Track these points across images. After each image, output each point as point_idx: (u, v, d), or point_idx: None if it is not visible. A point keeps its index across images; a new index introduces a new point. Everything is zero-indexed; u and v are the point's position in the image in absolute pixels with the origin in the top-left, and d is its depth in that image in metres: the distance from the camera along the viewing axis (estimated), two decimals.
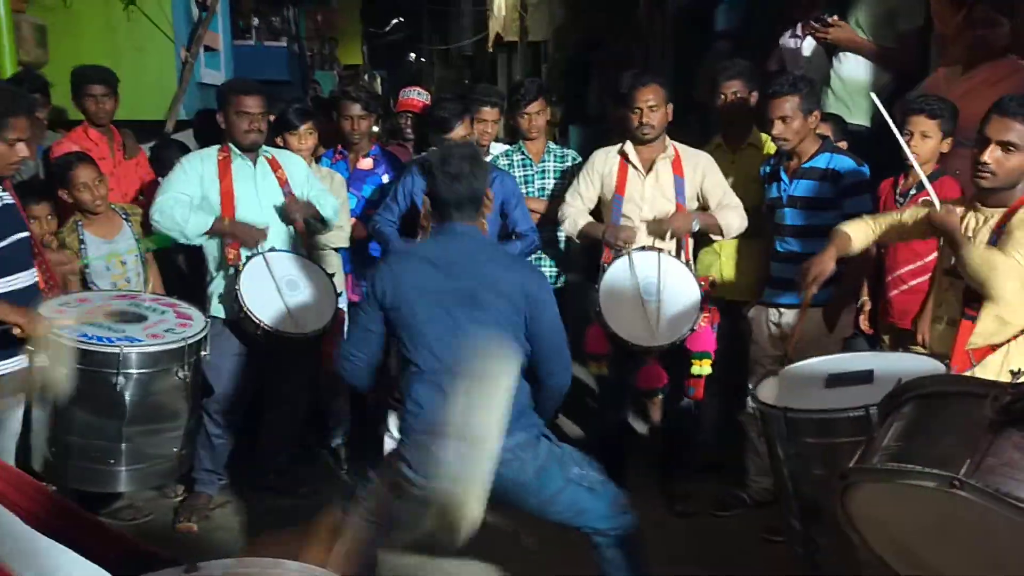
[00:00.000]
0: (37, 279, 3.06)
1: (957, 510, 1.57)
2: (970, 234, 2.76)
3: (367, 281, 2.76)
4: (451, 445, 2.53)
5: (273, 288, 3.65)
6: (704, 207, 3.89)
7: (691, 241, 3.90)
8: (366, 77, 22.26)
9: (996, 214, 2.72)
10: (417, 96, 5.22)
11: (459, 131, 3.84)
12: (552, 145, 4.49)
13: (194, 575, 1.14)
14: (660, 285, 3.59)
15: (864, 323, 3.67)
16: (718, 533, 3.74)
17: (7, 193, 2.90)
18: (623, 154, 3.91)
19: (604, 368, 3.88)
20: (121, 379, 2.94)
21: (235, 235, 3.69)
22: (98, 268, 3.75)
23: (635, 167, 3.88)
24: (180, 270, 4.47)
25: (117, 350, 2.93)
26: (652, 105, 3.77)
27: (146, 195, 4.33)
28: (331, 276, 3.91)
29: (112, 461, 3.05)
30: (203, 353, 3.23)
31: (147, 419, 3.06)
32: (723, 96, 4.02)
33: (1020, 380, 1.64)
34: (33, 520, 1.09)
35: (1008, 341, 2.69)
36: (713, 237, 3.87)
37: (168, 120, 5.87)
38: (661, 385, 3.64)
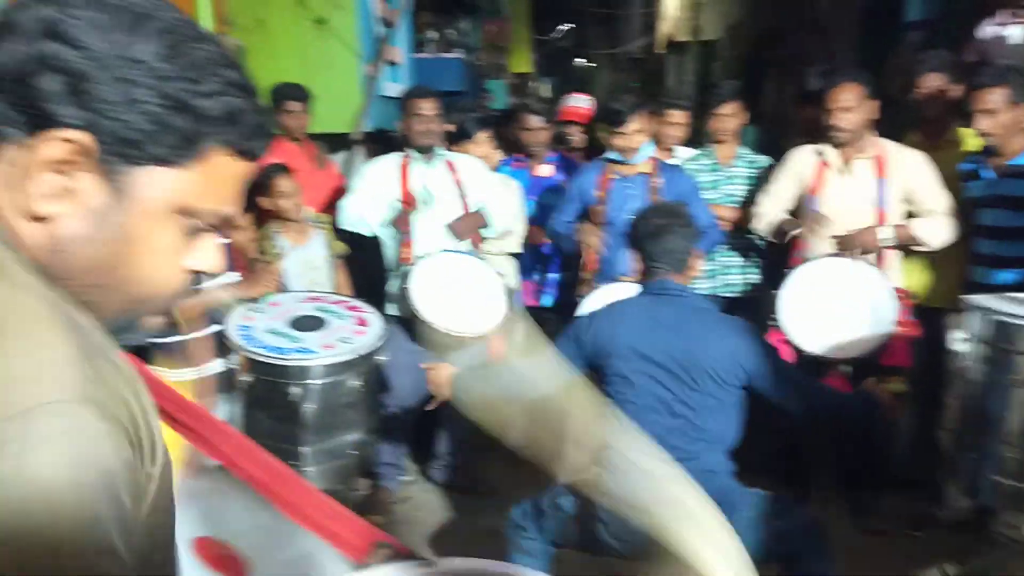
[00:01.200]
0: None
1: None
2: None
3: (576, 325, 2.74)
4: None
5: (443, 288, 3.77)
6: (912, 212, 3.67)
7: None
8: (534, 84, 22.47)
9: None
10: (580, 103, 5.17)
11: (632, 126, 3.79)
12: (743, 150, 4.34)
13: (431, 571, 1.17)
14: (850, 294, 3.42)
15: None
16: (909, 553, 3.52)
17: None
18: (820, 154, 3.75)
19: None
20: (296, 390, 3.03)
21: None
22: (292, 273, 3.97)
23: (832, 167, 3.71)
24: (364, 270, 4.67)
25: (290, 363, 3.03)
26: (846, 106, 3.59)
27: (336, 204, 4.59)
28: (501, 276, 3.98)
29: (295, 462, 3.18)
30: (381, 358, 3.29)
31: (325, 425, 3.14)
32: (922, 90, 3.78)
33: None
34: (280, 502, 1.16)
35: None
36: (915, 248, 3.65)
37: (354, 132, 6.16)
38: None
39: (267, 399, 3.06)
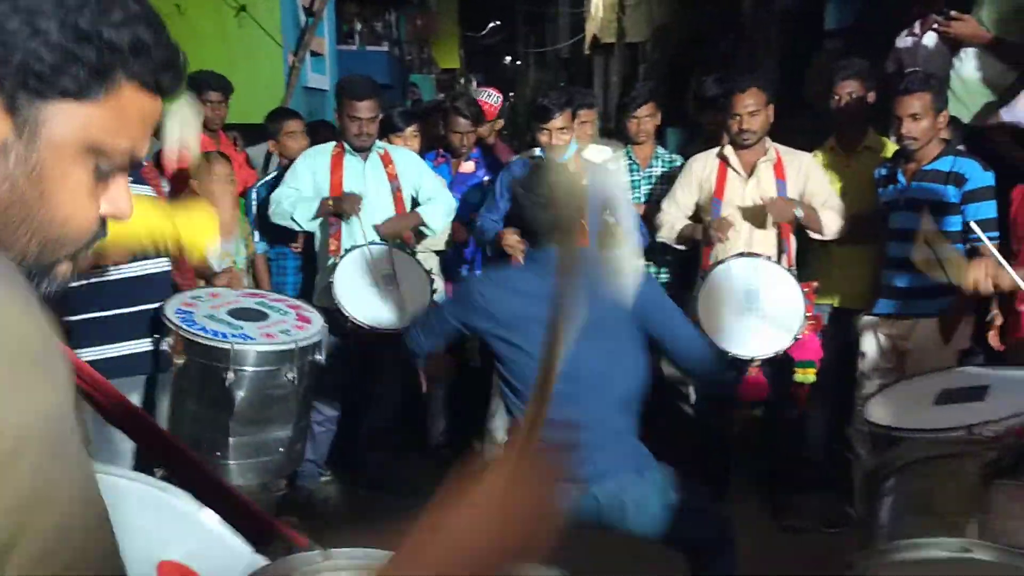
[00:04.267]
0: (170, 268, 3.20)
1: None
2: None
3: (459, 296, 2.69)
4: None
5: (368, 282, 3.73)
6: None
7: (794, 247, 3.79)
8: (462, 81, 22.49)
9: None
10: (487, 99, 5.11)
11: (558, 122, 3.80)
12: (660, 150, 4.41)
13: (330, 562, 1.17)
14: (761, 292, 3.50)
15: (994, 339, 3.46)
16: (825, 549, 3.60)
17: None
18: (723, 158, 3.84)
19: None
20: (231, 375, 2.97)
21: (337, 208, 3.81)
22: (213, 265, 3.87)
23: (735, 171, 3.79)
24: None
25: (228, 346, 2.98)
26: (752, 110, 3.69)
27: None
28: (428, 271, 3.94)
29: (219, 454, 3.10)
30: (317, 357, 3.23)
31: (254, 417, 3.08)
32: (838, 96, 3.88)
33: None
34: (193, 485, 1.12)
35: None
36: (812, 236, 3.75)
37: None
38: (763, 396, 3.54)
39: (199, 384, 3.00)
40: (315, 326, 3.27)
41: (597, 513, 2.56)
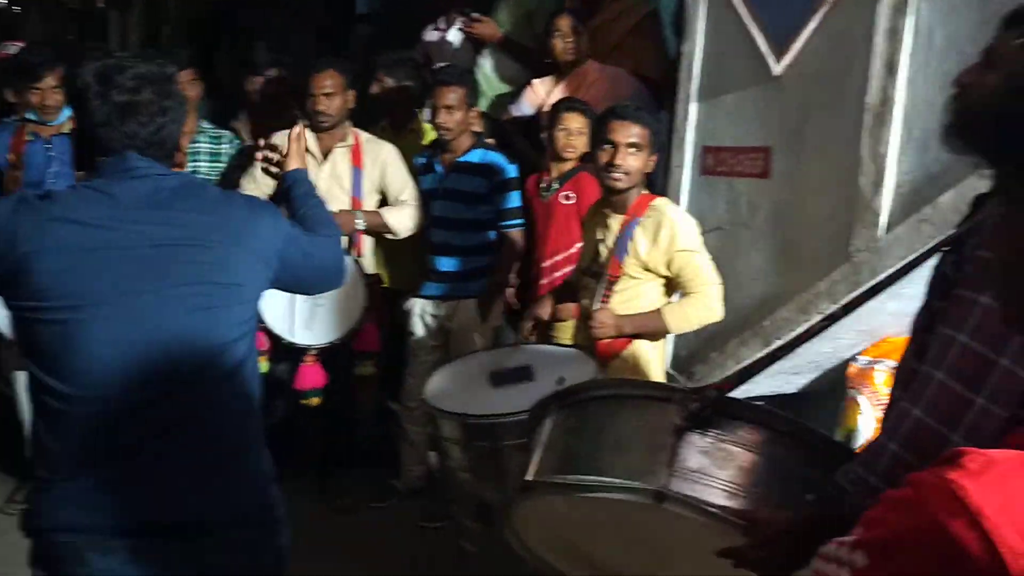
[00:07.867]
0: None
1: (639, 516, 1.59)
2: (602, 237, 2.93)
3: None
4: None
5: None
6: (384, 201, 3.82)
7: (365, 236, 3.80)
8: None
9: (620, 217, 2.85)
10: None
11: (49, 81, 3.55)
12: (206, 125, 4.11)
13: None
14: None
15: (511, 298, 3.81)
16: (377, 524, 3.72)
17: None
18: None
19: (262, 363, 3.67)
20: None
21: None
22: None
23: (311, 154, 3.67)
24: None
25: None
26: (328, 92, 3.63)
27: None
28: None
29: None
30: None
31: None
32: (382, 84, 3.99)
33: (699, 385, 1.74)
34: None
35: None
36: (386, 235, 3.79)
37: None
38: (320, 386, 3.53)
39: None
40: None
41: None
